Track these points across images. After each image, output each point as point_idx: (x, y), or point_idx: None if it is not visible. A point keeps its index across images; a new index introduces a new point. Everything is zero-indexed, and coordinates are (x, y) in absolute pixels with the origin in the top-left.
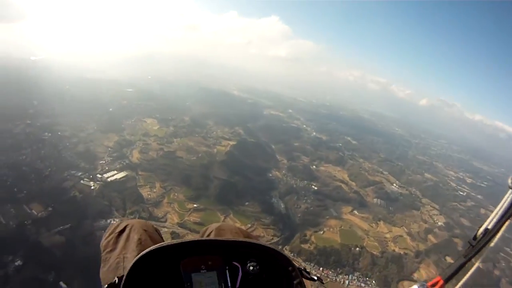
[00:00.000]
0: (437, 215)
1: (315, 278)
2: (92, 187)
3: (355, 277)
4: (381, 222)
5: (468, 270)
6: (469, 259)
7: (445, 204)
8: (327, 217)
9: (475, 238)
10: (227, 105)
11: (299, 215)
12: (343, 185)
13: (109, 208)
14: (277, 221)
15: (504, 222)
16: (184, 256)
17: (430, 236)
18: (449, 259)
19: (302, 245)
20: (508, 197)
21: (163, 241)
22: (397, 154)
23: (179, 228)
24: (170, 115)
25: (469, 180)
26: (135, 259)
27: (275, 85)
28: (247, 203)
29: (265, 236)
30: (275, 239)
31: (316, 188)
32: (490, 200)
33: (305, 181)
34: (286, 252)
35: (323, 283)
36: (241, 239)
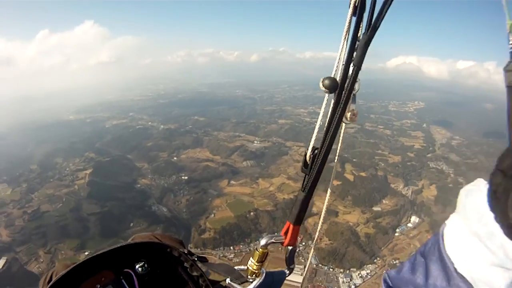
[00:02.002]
0: (305, 151)
1: (197, 257)
2: None
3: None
4: (260, 180)
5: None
6: (311, 191)
7: (308, 138)
8: (210, 199)
9: (305, 165)
10: (69, 134)
11: (184, 211)
12: (209, 163)
13: None
14: (168, 227)
15: (333, 134)
16: (80, 282)
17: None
18: (335, 182)
19: (202, 236)
20: (326, 104)
21: None
22: (246, 114)
23: None
24: (17, 171)
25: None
26: None
27: (107, 93)
28: (131, 224)
29: None
30: None
31: (186, 177)
32: None
33: (174, 176)
34: (192, 249)
35: (206, 260)
36: (121, 243)
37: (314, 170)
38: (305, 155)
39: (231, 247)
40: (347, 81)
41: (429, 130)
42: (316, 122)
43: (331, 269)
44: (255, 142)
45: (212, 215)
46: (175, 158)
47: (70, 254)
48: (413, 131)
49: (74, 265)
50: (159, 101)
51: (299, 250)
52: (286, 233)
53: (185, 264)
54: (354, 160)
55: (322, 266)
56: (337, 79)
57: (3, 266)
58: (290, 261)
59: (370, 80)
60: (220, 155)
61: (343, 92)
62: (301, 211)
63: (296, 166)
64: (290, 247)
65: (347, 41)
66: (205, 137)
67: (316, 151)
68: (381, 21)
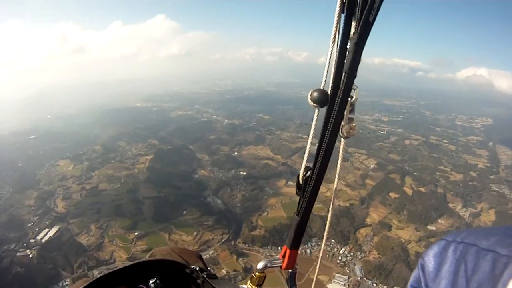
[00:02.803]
0: (367, 159)
1: (212, 272)
2: (31, 255)
3: (314, 243)
4: None
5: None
6: (306, 215)
7: (370, 146)
8: (265, 197)
9: (299, 187)
10: (134, 120)
11: (238, 205)
12: (269, 162)
13: (56, 271)
14: (220, 219)
15: (327, 150)
16: None
17: (367, 181)
18: (393, 195)
19: (252, 233)
20: (315, 117)
21: None
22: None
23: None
24: (81, 149)
25: (385, 119)
26: None
27: (175, 85)
28: (185, 212)
29: (214, 237)
30: (225, 237)
31: (245, 173)
32: (410, 130)
33: (232, 170)
34: (240, 245)
35: (216, 277)
36: (139, 260)
37: (308, 192)
38: (298, 177)
39: (279, 247)
40: (339, 92)
41: (495, 150)
42: (308, 138)
43: (374, 284)
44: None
45: (266, 213)
46: (236, 153)
47: (121, 232)
48: (478, 148)
49: (91, 281)
50: (226, 96)
51: (345, 260)
52: (284, 256)
53: (198, 281)
54: (415, 173)
55: (367, 280)
56: (328, 91)
57: (54, 234)
58: (291, 283)
59: (438, 90)
60: (281, 155)
61: (335, 104)
62: (297, 236)
63: (356, 173)
64: (289, 270)
65: (336, 45)
66: (267, 135)
67: (309, 172)
68: (375, 16)
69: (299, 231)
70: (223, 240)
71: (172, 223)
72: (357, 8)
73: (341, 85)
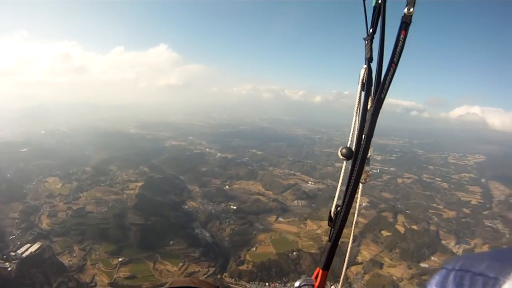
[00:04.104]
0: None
1: None
2: (9, 268)
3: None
4: (308, 221)
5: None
6: (336, 241)
7: (363, 185)
8: (255, 232)
9: (330, 219)
10: (127, 146)
11: (226, 239)
12: (260, 197)
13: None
14: (207, 252)
15: (352, 193)
16: None
17: (359, 219)
18: (385, 233)
19: (240, 267)
20: (344, 169)
21: None
22: (303, 153)
23: None
24: (71, 168)
25: (378, 158)
26: None
27: (170, 114)
28: (171, 242)
29: (200, 270)
30: (211, 270)
31: (235, 207)
32: (403, 168)
33: (223, 204)
34: (227, 279)
35: None
36: (177, 285)
37: (337, 224)
38: (330, 211)
39: (267, 283)
40: (360, 149)
41: (488, 185)
42: (338, 182)
43: None
44: (310, 182)
45: (254, 249)
46: (227, 186)
47: (104, 256)
48: (471, 185)
49: None
50: (220, 129)
51: None
52: (316, 277)
53: None
54: (407, 211)
55: None
56: (352, 148)
57: (36, 250)
58: None
59: (431, 130)
60: (272, 191)
61: (357, 159)
62: (329, 259)
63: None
64: None
65: (358, 114)
66: (260, 170)
67: (339, 208)
68: (385, 93)
69: (331, 255)
70: (209, 273)
71: (157, 252)
72: (373, 87)
73: (362, 144)
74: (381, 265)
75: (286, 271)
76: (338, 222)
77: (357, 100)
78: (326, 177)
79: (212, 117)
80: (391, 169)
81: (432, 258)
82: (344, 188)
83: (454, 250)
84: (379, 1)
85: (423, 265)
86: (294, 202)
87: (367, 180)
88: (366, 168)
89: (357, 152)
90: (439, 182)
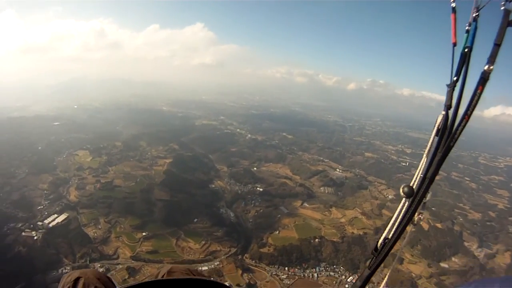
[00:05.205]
0: (385, 189)
1: None
2: (35, 237)
3: (322, 268)
4: (333, 209)
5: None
6: (375, 270)
7: (391, 177)
8: (279, 216)
9: (376, 249)
10: (158, 122)
11: (250, 221)
12: (287, 181)
13: (58, 257)
14: (230, 232)
15: (401, 230)
16: None
17: (384, 211)
18: (408, 228)
19: (261, 250)
20: (402, 205)
21: None
22: (334, 140)
23: (133, 261)
24: (101, 143)
25: (408, 151)
26: None
27: (203, 93)
28: (195, 220)
29: (222, 249)
30: (233, 250)
31: (261, 189)
32: None
33: (249, 185)
34: (247, 260)
35: None
36: (183, 277)
37: (381, 255)
38: (377, 241)
39: (286, 268)
40: (420, 192)
41: None
42: (393, 216)
43: None
44: (338, 170)
45: (277, 232)
46: (255, 168)
47: (129, 230)
48: (499, 188)
49: (140, 283)
50: (251, 111)
51: None
52: None
53: None
54: (433, 208)
55: None
56: (414, 188)
57: (62, 221)
58: None
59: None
60: (300, 176)
61: (415, 200)
62: (364, 284)
63: (373, 202)
64: None
65: (428, 157)
66: (289, 154)
67: (386, 241)
68: (455, 143)
69: (365, 282)
70: (230, 253)
71: (181, 229)
72: (446, 135)
73: (422, 187)
74: (401, 261)
75: (307, 257)
76: (382, 253)
77: (429, 144)
78: (354, 166)
79: (244, 98)
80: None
81: (453, 259)
82: (396, 223)
83: (476, 254)
84: (466, 50)
85: (443, 265)
86: (321, 188)
87: (419, 222)
88: (421, 211)
89: (417, 193)
90: (467, 181)
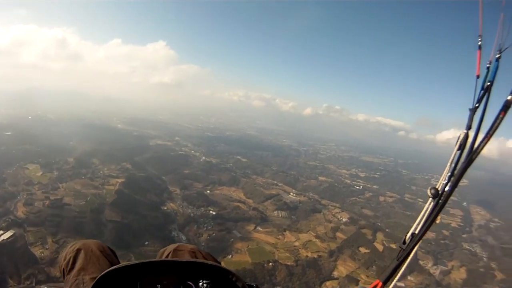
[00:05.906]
0: (339, 212)
1: None
2: None
3: None
4: (287, 233)
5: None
6: (402, 261)
7: (344, 200)
8: (232, 240)
9: (404, 242)
10: (112, 140)
11: (203, 244)
12: (241, 205)
13: (2, 277)
14: None
15: (427, 227)
16: (142, 277)
17: (338, 234)
18: (363, 250)
19: None
20: (428, 205)
21: (119, 261)
22: (288, 164)
23: None
24: (53, 157)
25: (362, 174)
26: (96, 279)
27: (159, 113)
28: (146, 243)
29: None
30: None
31: (214, 212)
32: (386, 187)
33: (202, 208)
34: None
35: None
36: (194, 260)
37: (408, 248)
38: (406, 235)
39: None
40: (444, 196)
41: (469, 210)
42: (420, 214)
43: None
44: (291, 194)
45: (230, 256)
46: (208, 191)
47: None
48: (452, 208)
49: (146, 261)
50: (207, 133)
51: None
52: (374, 287)
53: None
54: (387, 230)
55: None
56: (439, 190)
57: (8, 238)
58: None
59: (418, 151)
60: (253, 199)
61: (440, 202)
62: (391, 275)
63: (327, 226)
64: None
65: (450, 168)
66: (243, 178)
67: (413, 235)
68: (476, 156)
69: (394, 272)
70: None
71: (132, 251)
72: (468, 150)
73: (446, 192)
74: (357, 282)
75: (261, 281)
76: (410, 246)
77: (452, 157)
78: (308, 189)
79: (200, 120)
80: (374, 186)
81: (409, 277)
82: (422, 220)
83: (431, 271)
84: (488, 83)
85: (399, 284)
86: (274, 212)
87: (438, 221)
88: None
89: (441, 196)
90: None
